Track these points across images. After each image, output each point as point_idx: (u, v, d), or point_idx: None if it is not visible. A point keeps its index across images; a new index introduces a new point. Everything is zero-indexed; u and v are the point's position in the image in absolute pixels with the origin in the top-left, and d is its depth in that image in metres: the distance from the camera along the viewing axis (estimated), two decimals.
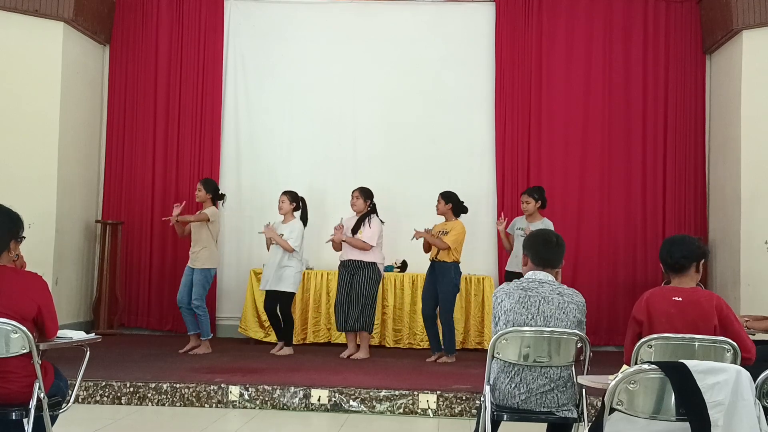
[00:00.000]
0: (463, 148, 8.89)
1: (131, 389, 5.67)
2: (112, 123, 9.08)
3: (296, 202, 7.59)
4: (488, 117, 8.89)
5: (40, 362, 3.40)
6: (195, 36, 9.05)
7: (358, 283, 7.37)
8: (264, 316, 7.97)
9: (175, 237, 8.19)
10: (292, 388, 5.67)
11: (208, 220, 7.37)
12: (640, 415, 2.74)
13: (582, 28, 8.83)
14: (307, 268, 8.49)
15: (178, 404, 5.65)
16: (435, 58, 9.02)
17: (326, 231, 7.82)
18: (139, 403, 5.64)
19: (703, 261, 3.61)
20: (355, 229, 7.45)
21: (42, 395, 3.39)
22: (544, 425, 3.73)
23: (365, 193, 7.56)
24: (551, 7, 8.84)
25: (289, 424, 5.40)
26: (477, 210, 8.48)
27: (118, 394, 5.67)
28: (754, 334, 4.28)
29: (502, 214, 7.96)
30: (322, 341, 8.25)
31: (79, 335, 3.86)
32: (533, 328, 3.46)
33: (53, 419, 3.59)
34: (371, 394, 5.62)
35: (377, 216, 7.52)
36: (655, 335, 3.32)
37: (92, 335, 4.02)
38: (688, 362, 2.66)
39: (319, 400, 5.61)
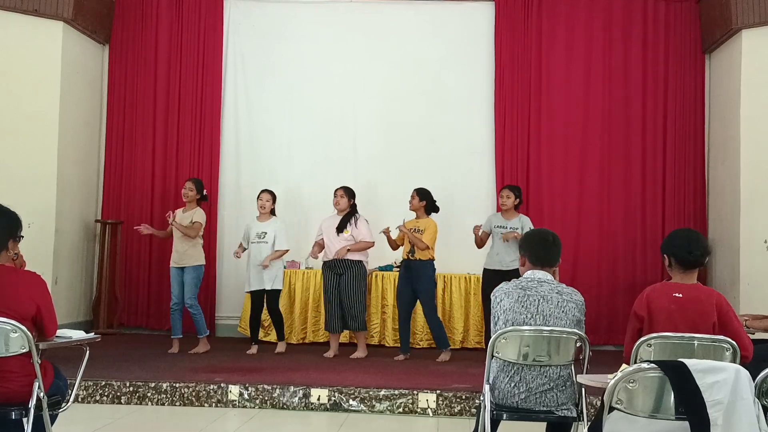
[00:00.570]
0: (463, 147, 8.90)
1: (131, 389, 5.67)
2: (112, 122, 9.08)
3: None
4: (488, 117, 8.90)
5: (39, 362, 3.40)
6: (195, 36, 9.05)
7: (347, 284, 7.38)
8: (264, 316, 7.96)
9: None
10: (292, 387, 5.67)
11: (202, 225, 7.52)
12: (639, 414, 2.75)
13: (581, 28, 8.84)
14: (307, 268, 8.49)
15: (177, 404, 5.65)
16: (435, 57, 9.03)
17: None
18: (138, 402, 5.65)
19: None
20: (341, 228, 7.45)
21: (41, 394, 3.39)
22: (544, 424, 3.75)
23: (349, 193, 7.58)
24: (551, 6, 8.85)
25: (288, 423, 5.40)
26: (477, 210, 8.51)
27: (118, 394, 5.67)
28: (753, 333, 4.29)
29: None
30: (321, 341, 8.24)
31: (78, 335, 3.87)
32: (532, 328, 3.47)
33: (53, 419, 3.59)
34: (371, 393, 5.62)
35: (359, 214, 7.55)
36: (654, 334, 3.32)
37: (92, 335, 4.02)
38: (687, 361, 2.66)
39: (318, 399, 5.61)
